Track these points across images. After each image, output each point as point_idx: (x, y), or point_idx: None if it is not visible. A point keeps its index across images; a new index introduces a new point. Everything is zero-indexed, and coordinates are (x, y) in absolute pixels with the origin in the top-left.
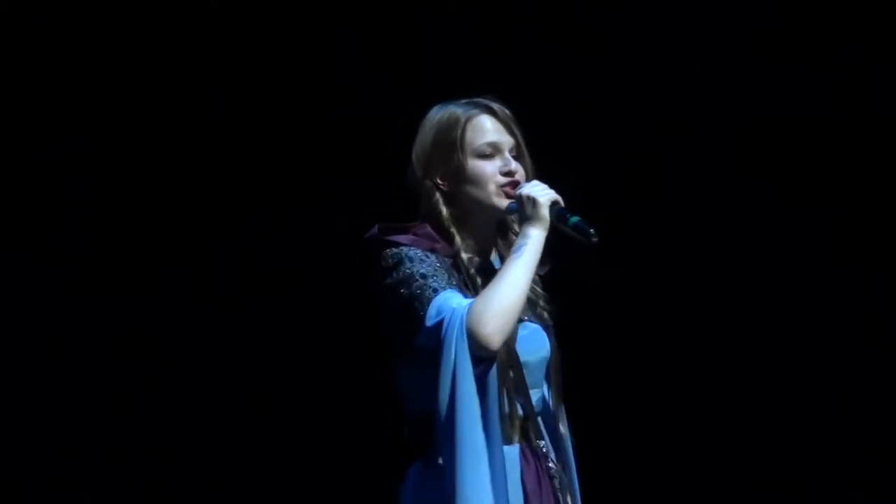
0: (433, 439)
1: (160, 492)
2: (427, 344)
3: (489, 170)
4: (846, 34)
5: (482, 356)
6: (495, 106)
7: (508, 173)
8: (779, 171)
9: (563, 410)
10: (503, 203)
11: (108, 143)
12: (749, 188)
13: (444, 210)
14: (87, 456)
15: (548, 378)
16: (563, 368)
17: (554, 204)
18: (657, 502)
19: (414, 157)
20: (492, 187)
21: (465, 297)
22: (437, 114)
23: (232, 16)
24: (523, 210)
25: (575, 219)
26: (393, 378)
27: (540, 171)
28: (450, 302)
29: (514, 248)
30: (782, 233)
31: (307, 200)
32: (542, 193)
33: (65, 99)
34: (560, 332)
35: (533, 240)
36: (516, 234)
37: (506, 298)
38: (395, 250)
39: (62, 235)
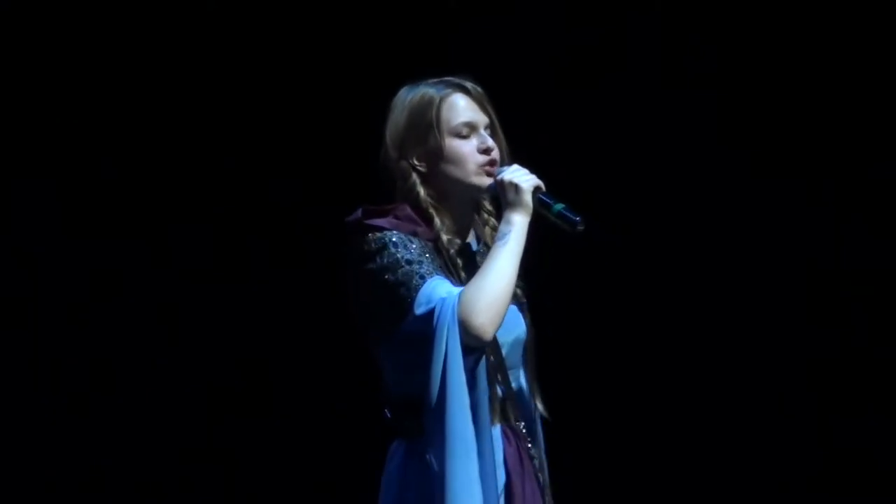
0: (419, 423)
1: (160, 491)
2: (417, 331)
3: (466, 149)
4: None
5: (474, 346)
6: (468, 84)
7: (486, 150)
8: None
9: (538, 389)
10: (484, 182)
11: (107, 143)
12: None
13: (422, 191)
14: (86, 456)
15: (523, 357)
16: (538, 346)
17: (536, 190)
18: (651, 499)
19: (388, 138)
20: (471, 166)
21: (451, 282)
22: (409, 94)
23: (231, 16)
24: (505, 196)
25: (559, 206)
26: (373, 357)
27: (518, 151)
28: (439, 290)
29: (498, 236)
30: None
31: (307, 200)
32: (524, 179)
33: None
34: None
35: (517, 227)
36: (489, 213)
37: (496, 288)
38: (378, 234)
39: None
